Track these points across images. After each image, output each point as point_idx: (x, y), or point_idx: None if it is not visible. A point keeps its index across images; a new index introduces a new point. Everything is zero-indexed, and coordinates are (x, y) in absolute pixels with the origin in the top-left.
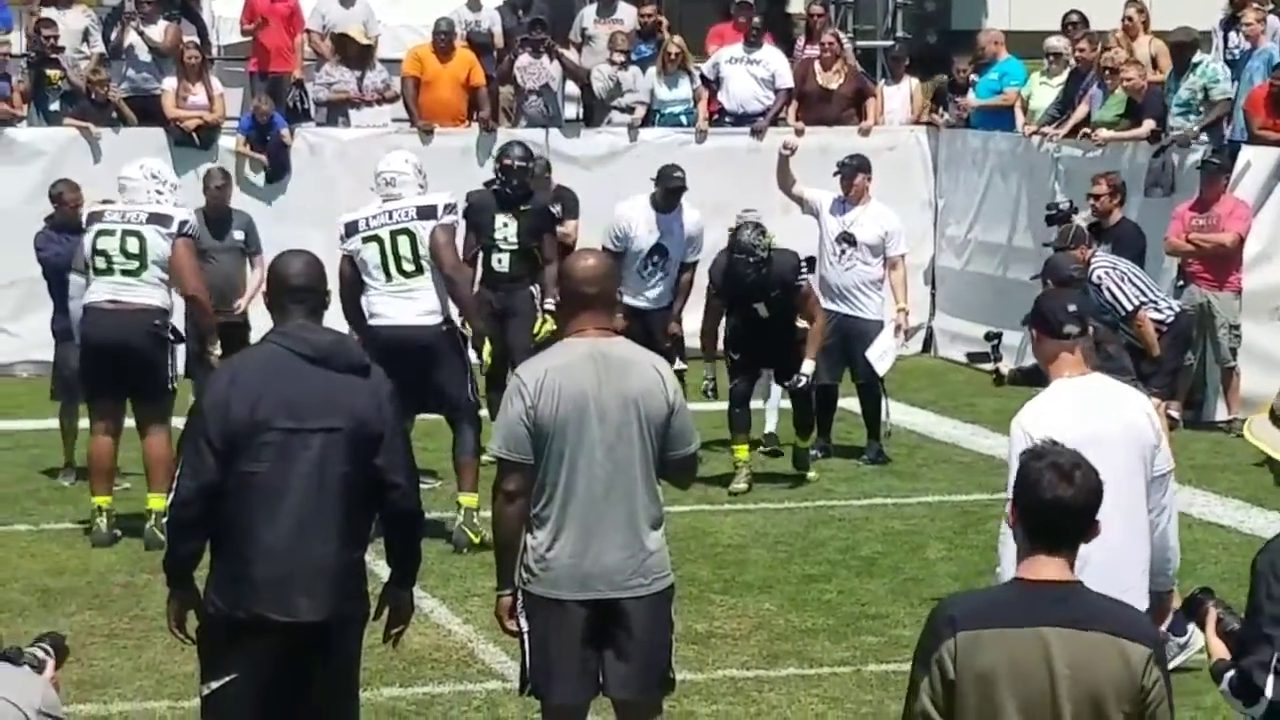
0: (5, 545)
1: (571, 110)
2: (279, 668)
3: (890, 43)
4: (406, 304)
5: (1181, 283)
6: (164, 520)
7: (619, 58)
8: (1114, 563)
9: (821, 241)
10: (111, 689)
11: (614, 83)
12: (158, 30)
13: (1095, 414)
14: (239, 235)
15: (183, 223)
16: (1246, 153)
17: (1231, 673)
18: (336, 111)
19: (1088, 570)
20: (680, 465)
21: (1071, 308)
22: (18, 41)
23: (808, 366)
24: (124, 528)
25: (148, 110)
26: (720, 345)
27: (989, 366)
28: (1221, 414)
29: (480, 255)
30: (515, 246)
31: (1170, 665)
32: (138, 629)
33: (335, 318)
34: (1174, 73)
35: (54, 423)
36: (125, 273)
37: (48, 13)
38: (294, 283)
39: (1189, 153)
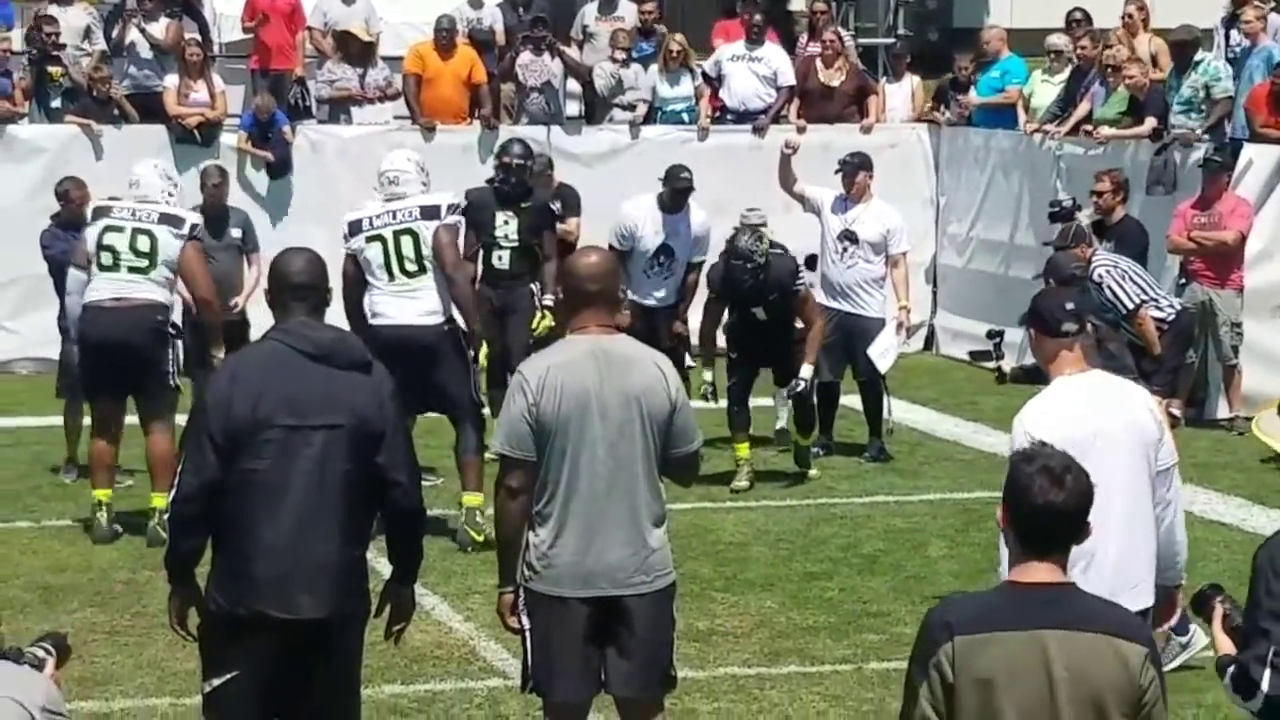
0: (7, 542)
1: (573, 108)
2: (280, 665)
3: (892, 40)
4: (409, 304)
5: (1183, 281)
6: (166, 517)
7: (620, 55)
8: (1120, 559)
9: (823, 239)
10: (113, 686)
11: (615, 80)
12: (159, 27)
13: (1097, 411)
14: (236, 233)
15: (193, 225)
16: (1248, 151)
17: (1232, 667)
18: (338, 109)
19: (1093, 567)
20: (682, 463)
21: (1069, 306)
22: (19, 38)
23: (805, 370)
24: (126, 525)
25: (149, 107)
26: (720, 343)
27: (991, 365)
28: (1223, 412)
29: (480, 252)
30: (516, 244)
31: (1173, 664)
32: (139, 626)
33: (336, 316)
34: (1175, 71)
35: (55, 420)
36: (133, 270)
37: (49, 9)
38: (295, 280)
39: (1191, 151)
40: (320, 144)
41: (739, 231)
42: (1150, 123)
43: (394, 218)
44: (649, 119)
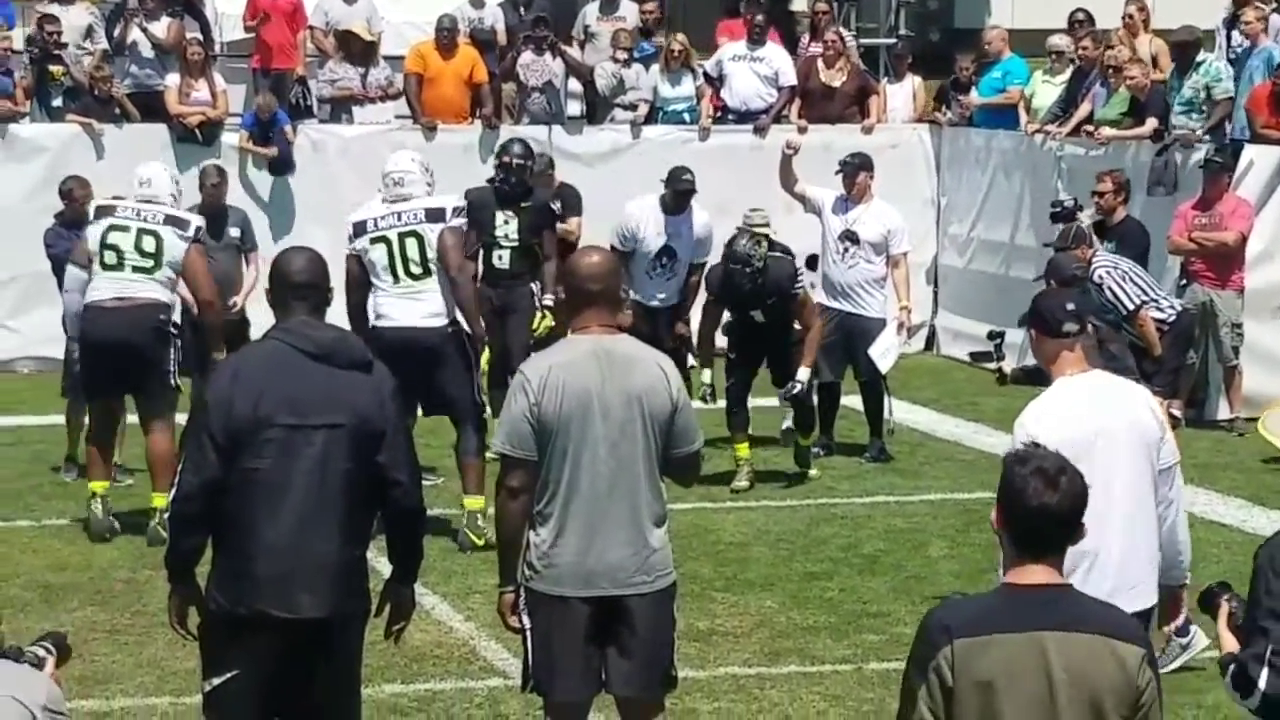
0: (7, 541)
1: (574, 107)
2: (280, 664)
3: (893, 40)
4: (413, 306)
5: (1184, 281)
6: (166, 516)
7: (622, 55)
8: (1123, 559)
9: (824, 240)
10: (113, 685)
11: (617, 80)
12: (160, 26)
13: (1099, 411)
14: (235, 233)
15: (198, 228)
16: (1249, 151)
17: (1233, 666)
18: (340, 108)
19: (1096, 567)
20: (683, 462)
21: (1069, 306)
22: (20, 38)
23: (803, 373)
24: (126, 524)
25: (151, 106)
26: (719, 343)
27: (992, 366)
28: (1224, 413)
29: (480, 252)
30: (516, 243)
31: (1173, 665)
32: (139, 625)
33: (337, 315)
34: (1177, 71)
35: (56, 419)
36: (137, 269)
37: (51, 9)
38: (297, 279)
39: (1192, 151)
40: (322, 143)
41: (737, 235)
42: (1151, 123)
43: (399, 220)
44: (650, 119)
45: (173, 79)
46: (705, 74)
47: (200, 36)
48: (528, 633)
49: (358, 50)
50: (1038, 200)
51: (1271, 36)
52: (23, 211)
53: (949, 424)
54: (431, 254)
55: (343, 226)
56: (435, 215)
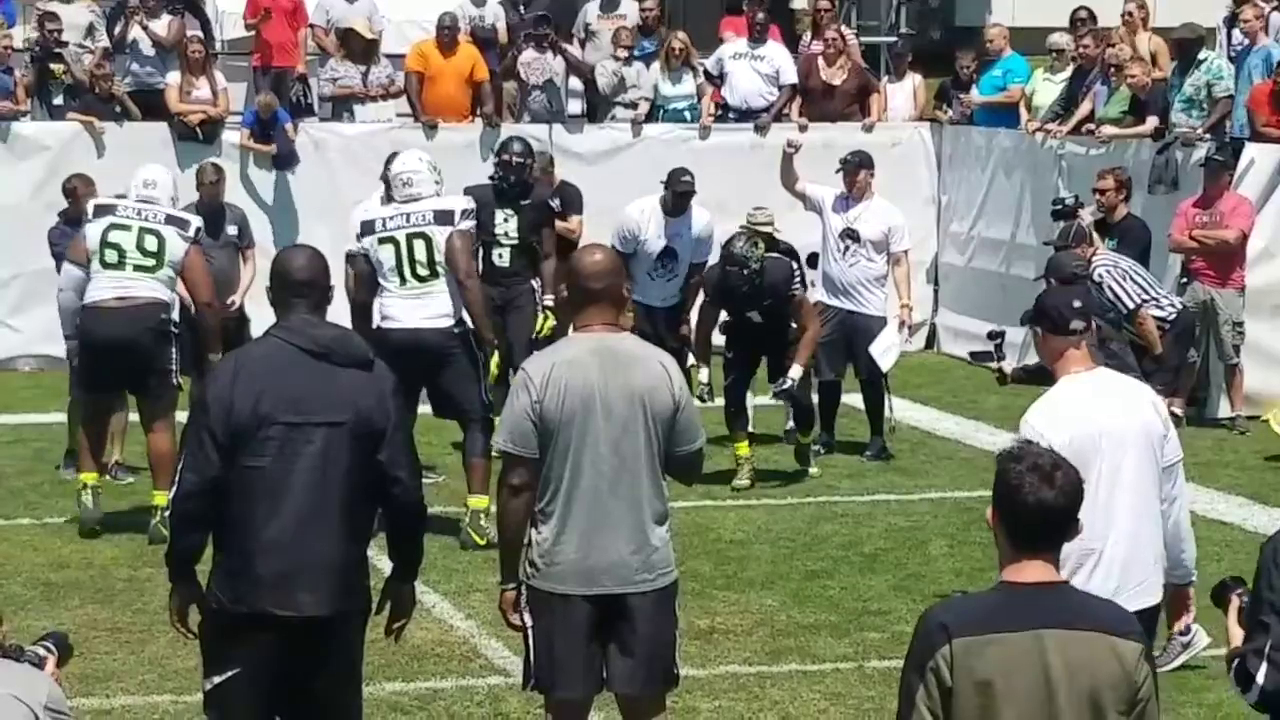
0: (8, 539)
1: (575, 106)
2: (281, 662)
3: (894, 39)
4: (419, 307)
5: (1185, 279)
6: (167, 515)
7: (622, 53)
8: (1127, 556)
9: (825, 238)
10: (114, 683)
11: (617, 78)
12: (161, 25)
13: (1104, 409)
14: (233, 230)
15: (198, 229)
16: (1250, 150)
17: (1235, 661)
18: (341, 106)
19: (1101, 564)
20: (685, 461)
21: (1076, 304)
22: (21, 36)
23: (794, 371)
24: (127, 522)
25: (151, 105)
26: (718, 340)
27: (993, 365)
28: (1225, 411)
29: (480, 250)
30: (515, 241)
31: (1174, 664)
32: (140, 623)
33: (338, 314)
34: (1178, 69)
35: (57, 416)
36: (138, 268)
37: (51, 7)
38: (297, 277)
39: (1192, 150)
40: (323, 142)
41: (735, 236)
42: (1152, 122)
43: (407, 220)
44: (651, 117)
45: (173, 77)
46: (706, 72)
47: (201, 34)
48: (529, 630)
49: (359, 48)
50: (1038, 198)
51: (1271, 35)
52: (24, 210)
53: (950, 422)
54: (439, 256)
55: (344, 225)
56: (444, 217)
